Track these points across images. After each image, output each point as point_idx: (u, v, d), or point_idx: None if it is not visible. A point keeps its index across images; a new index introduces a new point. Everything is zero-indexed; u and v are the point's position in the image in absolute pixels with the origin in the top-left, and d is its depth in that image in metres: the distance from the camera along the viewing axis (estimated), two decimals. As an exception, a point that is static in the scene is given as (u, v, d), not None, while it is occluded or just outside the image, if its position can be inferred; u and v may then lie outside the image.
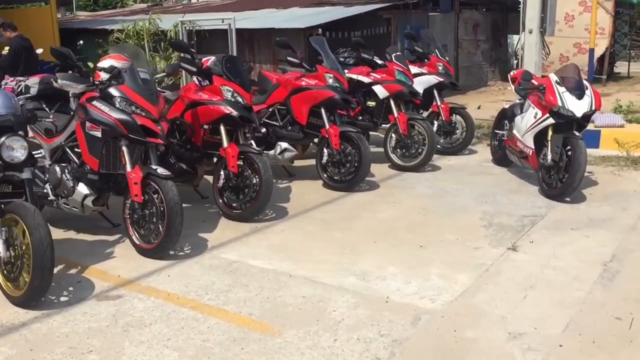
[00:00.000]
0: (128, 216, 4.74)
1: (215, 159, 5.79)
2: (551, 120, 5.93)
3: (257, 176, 5.35)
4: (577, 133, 5.94)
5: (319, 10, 12.42)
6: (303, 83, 6.51)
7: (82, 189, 4.76)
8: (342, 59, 7.93)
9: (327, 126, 6.35)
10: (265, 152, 6.16)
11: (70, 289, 4.12)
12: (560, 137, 5.87)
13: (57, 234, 5.15)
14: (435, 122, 7.95)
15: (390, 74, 7.29)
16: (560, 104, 5.86)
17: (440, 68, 8.01)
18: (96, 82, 4.73)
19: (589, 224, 5.29)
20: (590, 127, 7.02)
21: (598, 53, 14.55)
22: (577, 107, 5.85)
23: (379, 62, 7.47)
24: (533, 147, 6.16)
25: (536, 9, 9.37)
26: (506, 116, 7.14)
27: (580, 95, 5.91)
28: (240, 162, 5.42)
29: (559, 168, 5.89)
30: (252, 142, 5.97)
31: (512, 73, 7.31)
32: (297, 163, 7.15)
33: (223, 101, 5.44)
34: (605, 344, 3.35)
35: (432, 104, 8.09)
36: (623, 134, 7.75)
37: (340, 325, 3.57)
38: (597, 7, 12.05)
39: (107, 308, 3.85)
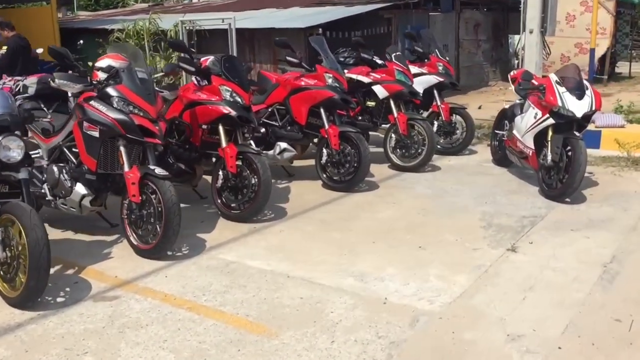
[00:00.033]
0: (126, 216, 4.72)
1: (214, 159, 5.77)
2: (551, 121, 5.90)
3: (255, 176, 5.33)
4: (577, 133, 5.91)
5: (319, 10, 12.41)
6: (302, 83, 6.49)
7: (80, 189, 4.74)
8: (341, 59, 7.91)
9: (327, 126, 6.33)
10: (264, 152, 6.15)
11: (67, 289, 4.10)
12: (561, 137, 5.85)
13: (55, 234, 5.15)
14: (435, 122, 7.93)
15: (390, 74, 7.27)
16: (560, 104, 5.83)
17: (440, 68, 7.99)
18: (94, 82, 4.71)
19: (589, 224, 5.26)
20: (590, 127, 7.00)
21: (599, 53, 14.54)
22: (577, 107, 5.82)
23: (379, 62, 7.45)
24: (533, 147, 6.14)
25: (537, 9, 9.35)
26: (506, 116, 7.11)
27: (580, 96, 5.89)
28: (239, 162, 5.40)
29: (559, 168, 5.86)
30: (252, 142, 5.96)
31: (512, 73, 7.28)
32: (296, 163, 7.13)
33: (222, 101, 5.43)
34: (605, 345, 3.32)
35: (432, 104, 8.06)
36: (624, 135, 7.72)
37: (337, 327, 3.55)
38: (598, 7, 12.02)
39: (103, 309, 3.83)
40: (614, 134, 7.78)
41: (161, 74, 6.93)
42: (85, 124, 4.65)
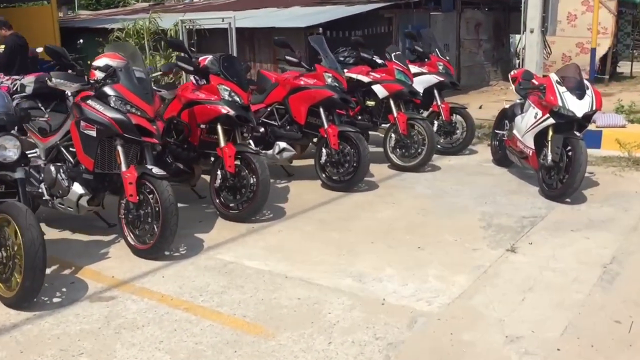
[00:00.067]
0: (123, 216, 4.70)
1: (212, 159, 5.74)
2: (551, 121, 5.87)
3: (254, 176, 5.30)
4: (577, 133, 5.88)
5: (319, 10, 12.38)
6: (302, 82, 6.47)
7: (77, 188, 4.71)
8: (341, 59, 7.89)
9: (326, 126, 6.30)
10: (263, 151, 6.13)
11: (64, 289, 4.08)
12: (561, 137, 5.82)
13: (52, 233, 5.12)
14: (436, 122, 7.90)
15: (390, 73, 7.24)
16: (560, 104, 5.80)
17: (440, 67, 7.95)
18: (91, 81, 4.69)
19: (589, 225, 5.23)
20: (591, 127, 6.97)
21: (600, 53, 14.49)
22: (578, 107, 5.79)
23: (379, 61, 7.43)
24: (533, 147, 6.11)
25: (537, 9, 9.33)
26: (506, 116, 7.08)
27: (580, 95, 5.86)
28: (238, 162, 5.37)
29: (559, 168, 5.83)
30: (251, 141, 5.93)
31: (512, 73, 7.26)
32: (296, 163, 7.11)
33: (220, 100, 5.40)
34: (604, 347, 3.29)
35: (432, 103, 8.03)
36: (625, 134, 7.68)
37: (335, 328, 3.53)
38: (599, 7, 11.99)
39: (99, 309, 3.80)
40: (615, 134, 7.75)
41: (159, 73, 6.90)
42: (82, 123, 4.63)
